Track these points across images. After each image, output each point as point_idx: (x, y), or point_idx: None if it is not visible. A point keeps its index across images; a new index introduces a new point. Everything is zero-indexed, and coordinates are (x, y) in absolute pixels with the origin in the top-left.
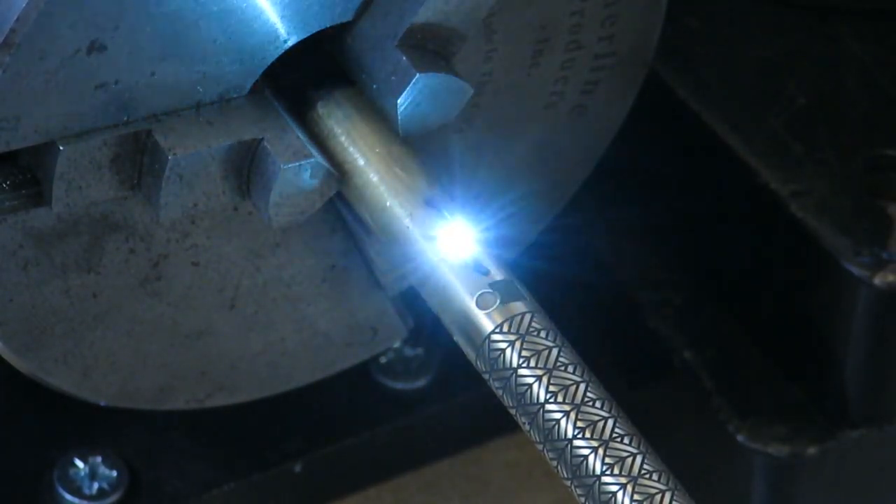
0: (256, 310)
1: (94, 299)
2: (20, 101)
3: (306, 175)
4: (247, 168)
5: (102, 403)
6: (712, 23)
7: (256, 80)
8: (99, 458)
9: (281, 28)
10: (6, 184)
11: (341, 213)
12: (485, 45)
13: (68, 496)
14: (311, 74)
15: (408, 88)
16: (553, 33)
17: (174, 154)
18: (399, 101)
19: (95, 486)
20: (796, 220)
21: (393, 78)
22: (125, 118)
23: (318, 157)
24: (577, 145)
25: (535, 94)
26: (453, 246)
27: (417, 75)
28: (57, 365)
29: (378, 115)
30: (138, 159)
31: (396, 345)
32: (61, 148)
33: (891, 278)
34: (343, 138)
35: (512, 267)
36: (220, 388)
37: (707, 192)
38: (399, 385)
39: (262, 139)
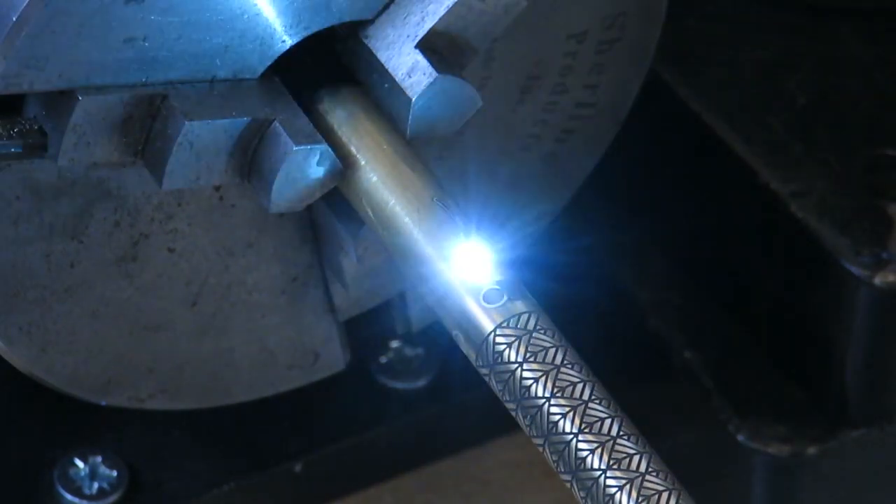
0: (215, 311)
1: (70, 269)
2: (53, 42)
3: (314, 160)
4: (253, 148)
5: (100, 402)
6: (712, 23)
7: (269, 67)
8: (99, 458)
9: (303, 15)
10: (13, 131)
11: (317, 220)
12: (482, 71)
13: (68, 496)
14: (318, 72)
15: (425, 89)
16: (545, 71)
17: (190, 120)
18: (414, 100)
19: (95, 486)
20: (796, 220)
21: (410, 77)
22: (144, 79)
23: (327, 145)
24: (543, 191)
25: (515, 133)
26: (454, 245)
27: (437, 76)
28: (21, 334)
29: (385, 114)
30: (148, 125)
31: (396, 344)
32: (80, 98)
33: (891, 278)
34: (349, 134)
35: (511, 266)
36: (162, 390)
37: (707, 192)
38: (399, 385)
39: (275, 119)
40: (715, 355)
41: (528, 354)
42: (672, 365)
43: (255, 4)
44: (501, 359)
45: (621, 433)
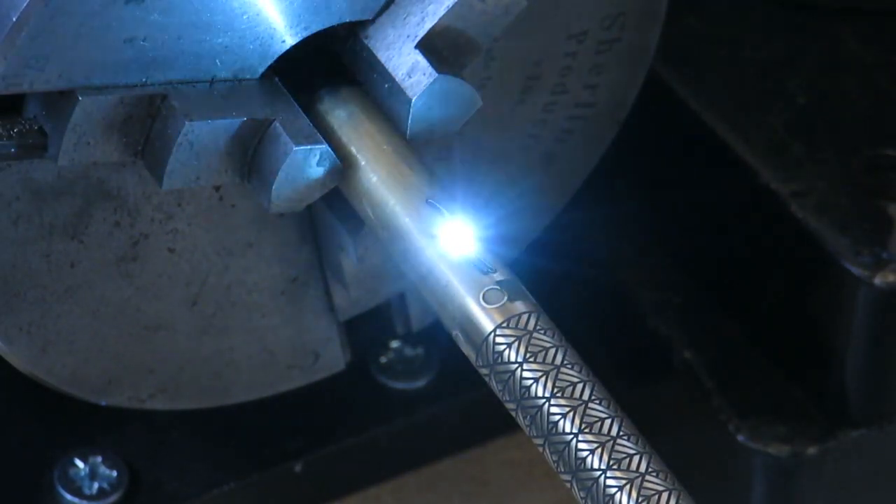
0: (215, 311)
1: (70, 269)
2: (53, 42)
3: (314, 161)
4: (253, 148)
5: (100, 402)
6: (712, 23)
7: (269, 67)
8: (99, 458)
9: (303, 15)
10: (13, 131)
11: (317, 220)
12: (482, 71)
13: (68, 496)
14: (317, 72)
15: (425, 89)
16: (545, 71)
17: (190, 120)
18: (414, 100)
19: (95, 486)
20: (796, 220)
21: (410, 77)
22: (144, 79)
23: (327, 145)
24: (542, 191)
25: (514, 133)
26: (455, 244)
27: (437, 76)
28: (21, 334)
29: (384, 114)
30: (148, 125)
31: (396, 344)
32: (80, 98)
33: (891, 278)
34: (349, 134)
35: (511, 266)
36: (162, 390)
37: (707, 192)
38: (399, 385)
39: (274, 120)
40: (715, 355)
41: (528, 354)
42: (672, 365)
43: (255, 4)
44: (501, 359)
45: (621, 433)
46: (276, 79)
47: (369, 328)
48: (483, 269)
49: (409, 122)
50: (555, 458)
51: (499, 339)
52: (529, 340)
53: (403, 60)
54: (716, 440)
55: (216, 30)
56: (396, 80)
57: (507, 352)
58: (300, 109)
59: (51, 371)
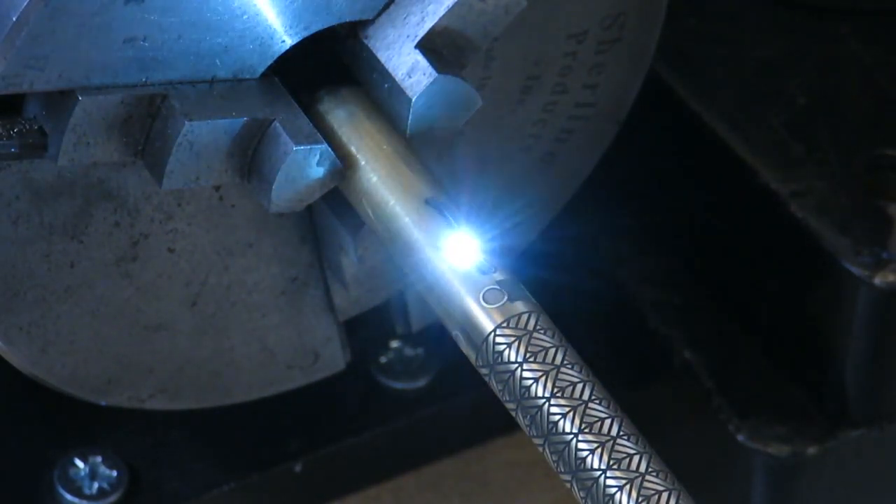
0: (215, 311)
1: (70, 269)
2: (53, 42)
3: (314, 160)
4: (253, 148)
5: (100, 402)
6: (712, 23)
7: (269, 67)
8: (99, 458)
9: (303, 15)
10: (13, 131)
11: (317, 220)
12: (482, 71)
13: (68, 496)
14: (317, 72)
15: (425, 89)
16: (545, 70)
17: (190, 120)
18: (414, 100)
19: (95, 486)
20: (796, 220)
21: (410, 77)
22: (144, 79)
23: (327, 145)
24: (542, 191)
25: (514, 133)
26: (455, 244)
27: (437, 76)
28: (20, 334)
29: (384, 114)
30: (148, 125)
31: (396, 344)
32: (80, 98)
33: (891, 278)
34: (349, 134)
35: (511, 266)
36: (162, 390)
37: (707, 191)
38: (399, 385)
39: (274, 120)
40: (715, 355)
41: (528, 354)
42: (672, 365)
43: (255, 4)
44: (501, 359)
45: (621, 433)
46: (276, 79)
47: (369, 328)
48: (483, 269)
49: (409, 122)
50: (555, 458)
51: (499, 339)
52: (529, 340)
53: (403, 60)
54: (716, 440)
55: (216, 30)
56: (396, 79)
57: (507, 352)
58: (300, 109)
59: (51, 371)
